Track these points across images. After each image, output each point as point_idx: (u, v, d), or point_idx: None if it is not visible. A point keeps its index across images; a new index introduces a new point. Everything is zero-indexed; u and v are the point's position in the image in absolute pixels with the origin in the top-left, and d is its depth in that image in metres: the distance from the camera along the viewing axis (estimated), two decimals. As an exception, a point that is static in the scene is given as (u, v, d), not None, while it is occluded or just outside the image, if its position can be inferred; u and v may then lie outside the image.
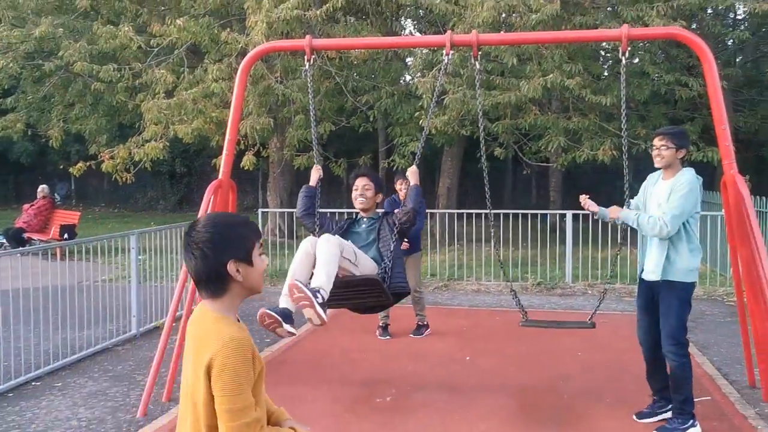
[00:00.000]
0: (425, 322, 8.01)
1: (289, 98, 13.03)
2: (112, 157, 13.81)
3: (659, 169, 5.16)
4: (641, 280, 5.24)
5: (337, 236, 5.05)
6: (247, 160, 13.38)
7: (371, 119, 15.49)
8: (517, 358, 7.08)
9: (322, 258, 4.86)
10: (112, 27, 13.70)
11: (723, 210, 6.28)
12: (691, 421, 4.98)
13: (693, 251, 4.97)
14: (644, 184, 5.37)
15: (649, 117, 16.06)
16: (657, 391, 5.30)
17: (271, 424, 2.42)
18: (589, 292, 10.73)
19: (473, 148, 18.19)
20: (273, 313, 4.66)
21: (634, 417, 5.27)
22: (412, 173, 5.44)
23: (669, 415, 5.14)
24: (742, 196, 5.40)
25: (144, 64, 14.06)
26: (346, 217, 5.77)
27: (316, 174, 5.73)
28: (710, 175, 19.52)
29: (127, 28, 13.12)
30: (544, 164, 17.24)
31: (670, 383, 5.05)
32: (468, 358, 7.11)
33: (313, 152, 14.54)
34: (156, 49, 13.86)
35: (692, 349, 7.40)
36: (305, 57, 6.10)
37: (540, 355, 7.17)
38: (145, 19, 14.51)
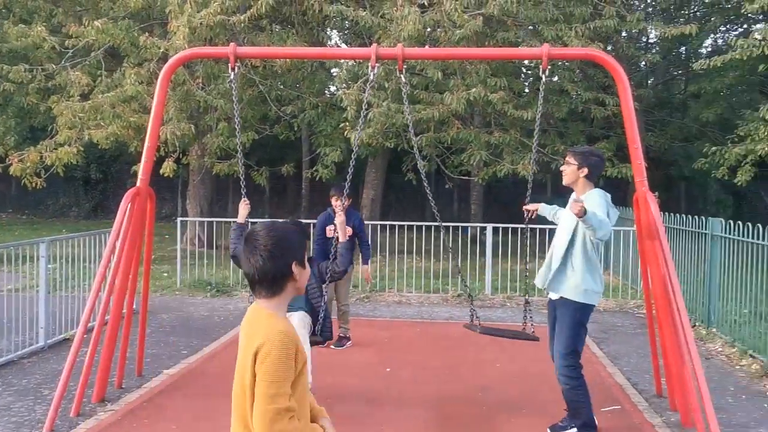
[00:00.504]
0: (348, 335, 7.98)
1: (210, 105, 12.81)
2: (21, 161, 13.22)
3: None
4: (550, 298, 5.36)
5: (303, 329, 5.59)
6: (167, 167, 13.07)
7: (295, 129, 15.39)
8: (437, 369, 7.13)
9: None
10: (23, 26, 13.16)
11: (635, 225, 6.51)
12: None
13: (591, 272, 5.02)
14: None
15: (567, 134, 16.57)
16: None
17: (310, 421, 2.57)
18: (508, 304, 10.93)
19: (397, 161, 18.35)
20: None
21: (548, 430, 5.36)
22: (341, 224, 5.67)
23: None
24: (652, 213, 5.62)
25: (58, 65, 13.56)
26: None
27: (244, 210, 5.85)
28: (624, 191, 20.28)
29: (40, 28, 12.63)
30: (466, 177, 17.53)
31: (567, 407, 5.09)
32: (388, 369, 7.12)
33: (235, 160, 14.46)
34: (71, 51, 13.39)
35: (603, 359, 7.66)
36: (229, 64, 6.01)
37: (459, 366, 7.24)
38: (60, 19, 14.01)
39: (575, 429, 5.17)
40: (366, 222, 14.43)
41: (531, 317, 5.72)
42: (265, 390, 2.29)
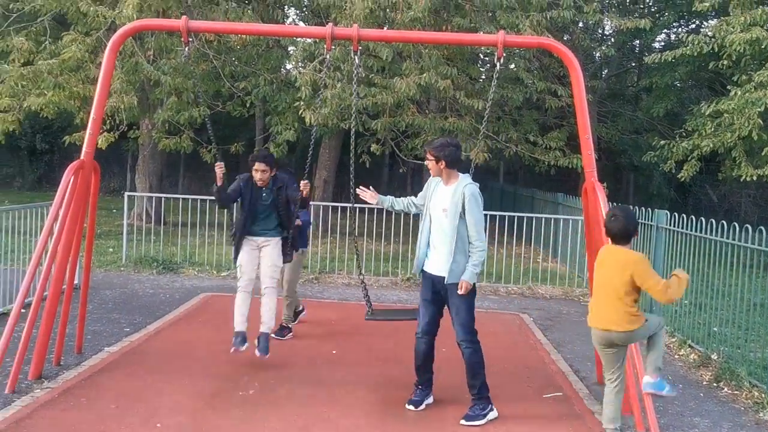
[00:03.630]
0: (290, 326, 7.76)
1: (159, 79, 12.50)
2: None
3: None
4: (424, 272, 5.47)
5: (274, 269, 6.69)
6: (103, 139, 12.65)
7: (247, 106, 15.14)
8: (383, 352, 7.14)
9: (268, 309, 6.60)
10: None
11: (583, 215, 6.59)
12: (490, 406, 5.36)
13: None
14: (429, 181, 5.57)
15: (521, 122, 16.68)
16: (426, 381, 5.58)
17: None
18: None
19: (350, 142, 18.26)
20: (238, 347, 6.37)
21: (463, 421, 5.34)
22: (307, 190, 6.55)
23: (432, 400, 5.57)
24: (600, 203, 5.69)
25: (1, 29, 13.06)
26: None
27: (219, 171, 6.48)
28: (574, 181, 20.59)
29: (-19, -9, 12.15)
30: (420, 161, 17.52)
31: (468, 371, 5.38)
32: (334, 352, 7.10)
33: (185, 135, 14.19)
34: (14, 15, 12.91)
35: (547, 346, 7.77)
36: (182, 38, 5.86)
37: (406, 349, 7.21)
38: (5, -18, 13.50)
39: (492, 408, 5.35)
40: (319, 203, 14.41)
41: None
42: (651, 281, 4.62)
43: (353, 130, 6.53)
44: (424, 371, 5.56)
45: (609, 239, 4.89)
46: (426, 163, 5.47)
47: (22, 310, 5.54)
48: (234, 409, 5.27)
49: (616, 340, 4.81)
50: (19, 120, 12.54)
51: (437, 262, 5.36)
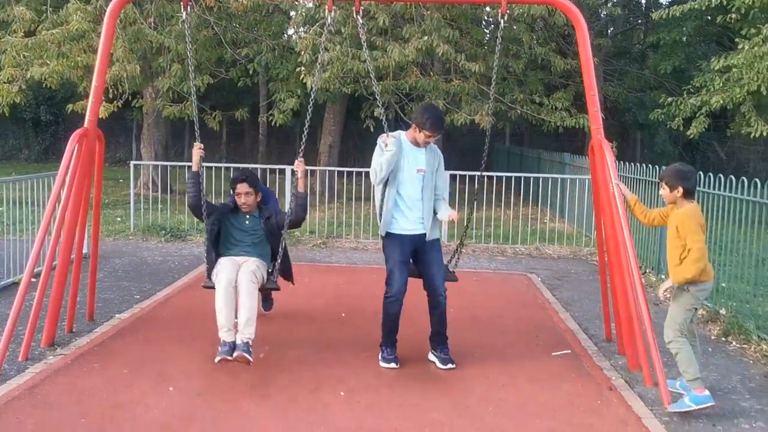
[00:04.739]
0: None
1: (163, 46, 12.41)
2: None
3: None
4: (394, 234, 5.48)
5: (253, 274, 5.59)
6: (104, 109, 12.60)
7: (251, 73, 15.03)
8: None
9: (246, 307, 5.46)
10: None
11: (590, 174, 6.55)
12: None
13: None
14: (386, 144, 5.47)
15: (527, 82, 16.52)
16: (395, 339, 5.63)
17: None
18: (464, 251, 10.98)
19: (355, 107, 18.15)
20: (226, 357, 5.26)
21: (450, 365, 5.58)
22: (301, 169, 5.81)
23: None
24: (607, 161, 5.65)
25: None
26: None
27: (197, 155, 5.76)
28: (581, 140, 20.46)
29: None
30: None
31: (440, 321, 5.61)
32: (343, 314, 7.14)
33: (187, 103, 14.11)
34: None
35: (556, 305, 7.80)
36: (182, 4, 5.80)
37: (413, 311, 7.25)
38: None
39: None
40: (324, 168, 14.36)
41: (458, 259, 5.98)
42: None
43: (377, 90, 6.20)
44: (395, 332, 5.60)
45: (687, 198, 4.94)
46: (418, 136, 5.50)
47: (33, 279, 5.57)
48: (244, 372, 5.33)
49: None
50: (23, 91, 12.50)
51: (414, 221, 5.51)
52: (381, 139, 5.50)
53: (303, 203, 5.83)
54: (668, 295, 5.06)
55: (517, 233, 11.67)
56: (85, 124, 5.88)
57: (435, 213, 5.61)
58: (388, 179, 5.46)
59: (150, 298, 7.56)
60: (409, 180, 5.50)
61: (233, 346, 5.34)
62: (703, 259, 4.84)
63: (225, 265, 5.67)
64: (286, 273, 6.37)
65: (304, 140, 5.80)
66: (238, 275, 5.57)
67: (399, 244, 5.49)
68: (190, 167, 5.82)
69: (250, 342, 5.39)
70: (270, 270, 5.92)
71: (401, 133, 5.64)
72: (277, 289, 5.99)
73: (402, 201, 5.51)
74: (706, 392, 4.73)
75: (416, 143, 5.57)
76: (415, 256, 5.59)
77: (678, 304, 4.94)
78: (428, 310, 5.63)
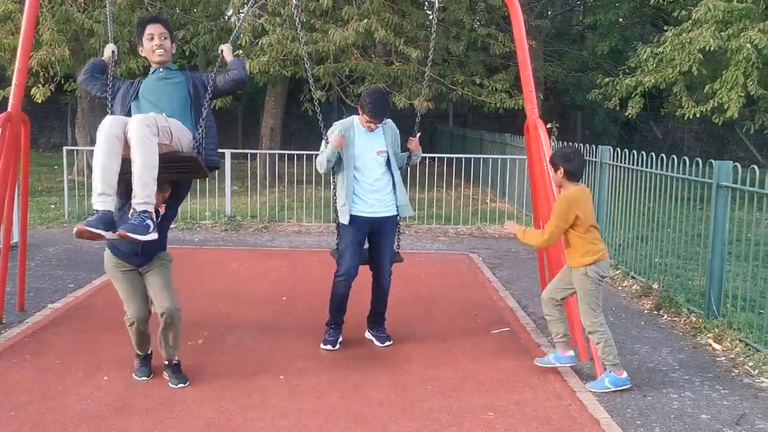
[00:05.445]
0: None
1: (92, 29, 12.03)
2: None
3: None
4: (360, 217, 5.40)
5: (151, 116, 4.30)
6: (38, 92, 12.22)
7: (187, 54, 14.71)
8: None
9: (140, 163, 4.14)
10: None
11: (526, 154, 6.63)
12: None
13: None
14: (340, 131, 5.39)
15: (467, 63, 16.60)
16: (341, 321, 5.65)
17: None
18: (406, 232, 11.04)
19: (297, 89, 17.97)
20: (93, 230, 4.01)
21: (387, 342, 5.69)
22: (228, 50, 5.04)
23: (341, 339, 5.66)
24: (541, 139, 5.72)
25: None
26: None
27: (108, 50, 4.96)
28: (522, 121, 20.67)
29: None
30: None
31: (381, 301, 5.68)
32: (284, 298, 7.10)
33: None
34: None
35: (496, 284, 7.90)
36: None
37: (356, 293, 7.26)
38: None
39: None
40: (265, 152, 14.19)
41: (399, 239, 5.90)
42: None
43: (310, 77, 6.00)
44: (342, 312, 5.62)
45: (571, 180, 4.91)
46: (362, 119, 5.40)
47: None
48: (182, 359, 5.23)
49: None
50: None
51: (377, 204, 5.46)
52: (327, 134, 5.45)
53: (238, 62, 4.92)
54: (506, 229, 5.27)
55: (459, 214, 11.76)
56: (9, 108, 5.67)
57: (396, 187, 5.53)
58: (344, 165, 5.41)
59: (85, 286, 7.37)
60: (368, 164, 5.45)
61: (106, 218, 4.07)
62: (546, 244, 5.06)
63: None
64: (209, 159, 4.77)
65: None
66: (128, 129, 4.22)
67: (355, 226, 5.45)
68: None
69: (148, 210, 4.17)
70: (195, 146, 4.63)
71: (354, 118, 5.54)
72: (204, 172, 4.72)
73: (360, 186, 5.44)
74: (625, 375, 4.85)
75: (371, 128, 5.48)
76: (370, 237, 5.57)
77: (583, 290, 4.91)
78: (371, 290, 5.65)
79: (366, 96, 5.41)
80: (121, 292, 4.78)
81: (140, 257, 4.74)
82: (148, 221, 4.16)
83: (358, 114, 5.49)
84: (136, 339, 4.82)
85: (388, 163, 5.51)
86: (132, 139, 4.18)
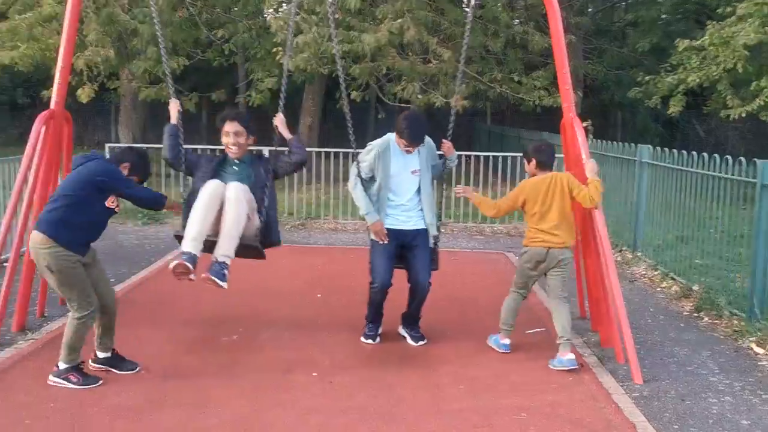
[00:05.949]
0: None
1: (137, 29, 12.23)
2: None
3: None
4: (391, 230, 5.44)
5: (245, 192, 4.89)
6: (83, 92, 12.46)
7: (226, 53, 14.87)
8: (368, 295, 7.14)
9: (231, 218, 4.75)
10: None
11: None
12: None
13: None
14: (371, 155, 5.45)
15: (506, 61, 16.46)
16: (380, 320, 5.75)
17: None
18: (443, 231, 10.98)
19: (335, 88, 18.02)
20: (189, 265, 4.52)
21: (421, 342, 5.71)
22: (281, 122, 5.39)
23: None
24: (578, 138, 5.65)
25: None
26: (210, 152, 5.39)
27: (174, 109, 5.43)
28: (559, 119, 20.39)
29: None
30: (406, 105, 17.34)
31: (418, 306, 5.64)
32: (319, 295, 7.13)
33: (165, 86, 13.93)
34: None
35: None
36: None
37: (393, 291, 7.28)
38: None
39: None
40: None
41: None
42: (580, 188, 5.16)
43: (341, 78, 6.02)
44: (381, 313, 5.71)
45: (542, 170, 5.32)
46: (400, 142, 5.38)
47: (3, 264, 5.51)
48: (218, 354, 5.31)
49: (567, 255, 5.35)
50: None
51: (408, 220, 5.52)
52: (360, 157, 5.52)
53: (297, 144, 5.29)
54: (459, 193, 5.78)
55: (496, 213, 11.67)
56: (52, 106, 5.79)
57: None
58: (378, 184, 5.45)
59: (125, 281, 7.51)
60: (402, 184, 5.50)
61: (195, 260, 4.54)
62: (494, 215, 5.68)
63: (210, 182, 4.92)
64: (271, 240, 5.29)
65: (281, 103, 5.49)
66: (227, 189, 4.81)
67: (388, 239, 5.46)
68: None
69: (227, 263, 4.64)
70: (258, 224, 5.07)
71: (391, 137, 5.51)
72: (262, 255, 5.21)
73: (393, 203, 5.50)
74: (507, 341, 5.45)
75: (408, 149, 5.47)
76: (402, 251, 5.54)
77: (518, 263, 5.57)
78: (408, 293, 5.63)
79: (402, 120, 5.37)
80: (82, 286, 4.63)
81: (86, 249, 4.77)
82: (226, 270, 4.70)
83: (393, 129, 5.45)
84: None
85: (419, 182, 5.52)
86: (229, 198, 4.76)
